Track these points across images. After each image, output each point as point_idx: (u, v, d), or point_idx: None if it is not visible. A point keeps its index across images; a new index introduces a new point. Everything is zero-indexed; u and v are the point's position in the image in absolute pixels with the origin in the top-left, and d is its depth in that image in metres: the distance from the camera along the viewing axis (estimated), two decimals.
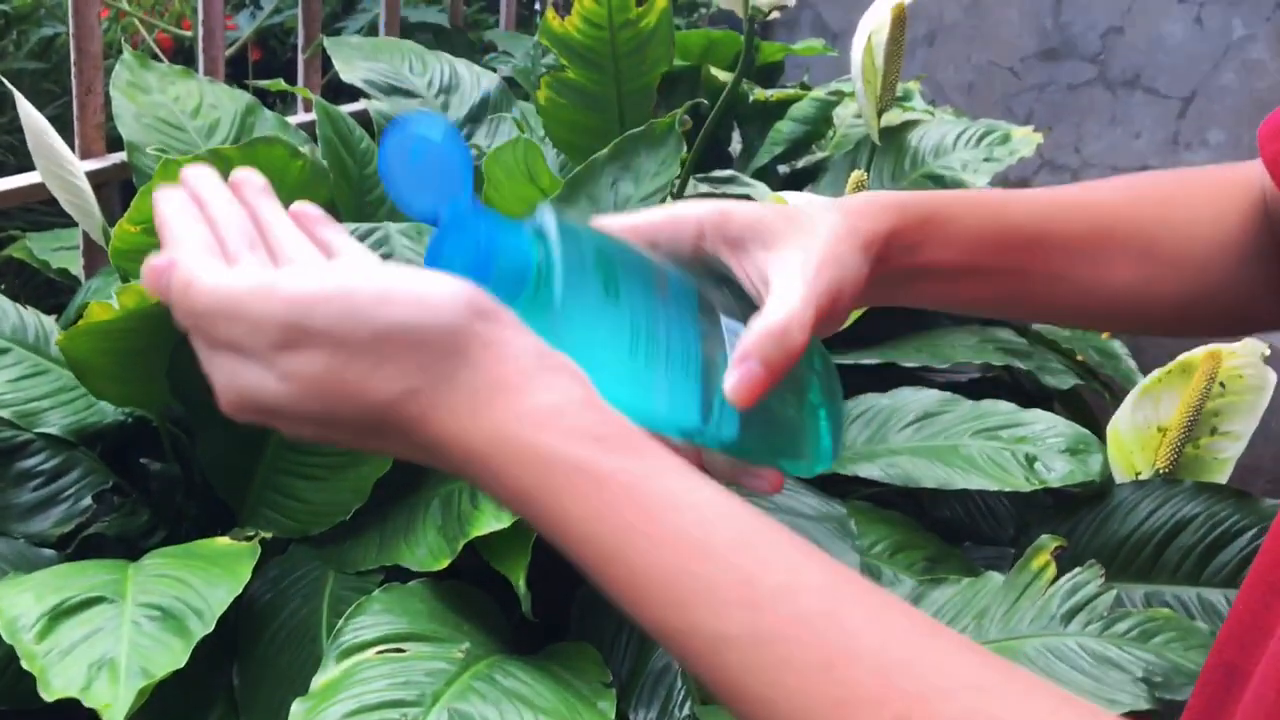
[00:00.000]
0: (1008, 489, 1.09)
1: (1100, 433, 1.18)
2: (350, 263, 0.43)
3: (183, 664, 0.75)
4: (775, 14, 1.11)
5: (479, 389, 0.37)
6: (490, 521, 0.88)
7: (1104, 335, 1.64)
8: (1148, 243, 0.57)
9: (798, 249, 0.48)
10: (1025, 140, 1.45)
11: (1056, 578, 0.96)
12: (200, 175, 0.45)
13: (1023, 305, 0.60)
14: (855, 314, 1.25)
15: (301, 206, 0.46)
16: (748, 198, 1.27)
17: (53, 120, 1.32)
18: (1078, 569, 0.96)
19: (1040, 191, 0.58)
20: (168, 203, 0.44)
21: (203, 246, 0.42)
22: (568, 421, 0.37)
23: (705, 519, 0.36)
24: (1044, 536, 0.98)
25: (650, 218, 0.50)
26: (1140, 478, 1.16)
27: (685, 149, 1.10)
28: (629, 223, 0.49)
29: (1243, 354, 1.13)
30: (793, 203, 1.11)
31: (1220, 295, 0.58)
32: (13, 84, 1.37)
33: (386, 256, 0.95)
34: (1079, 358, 1.51)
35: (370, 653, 0.82)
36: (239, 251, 0.42)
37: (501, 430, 0.37)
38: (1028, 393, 1.40)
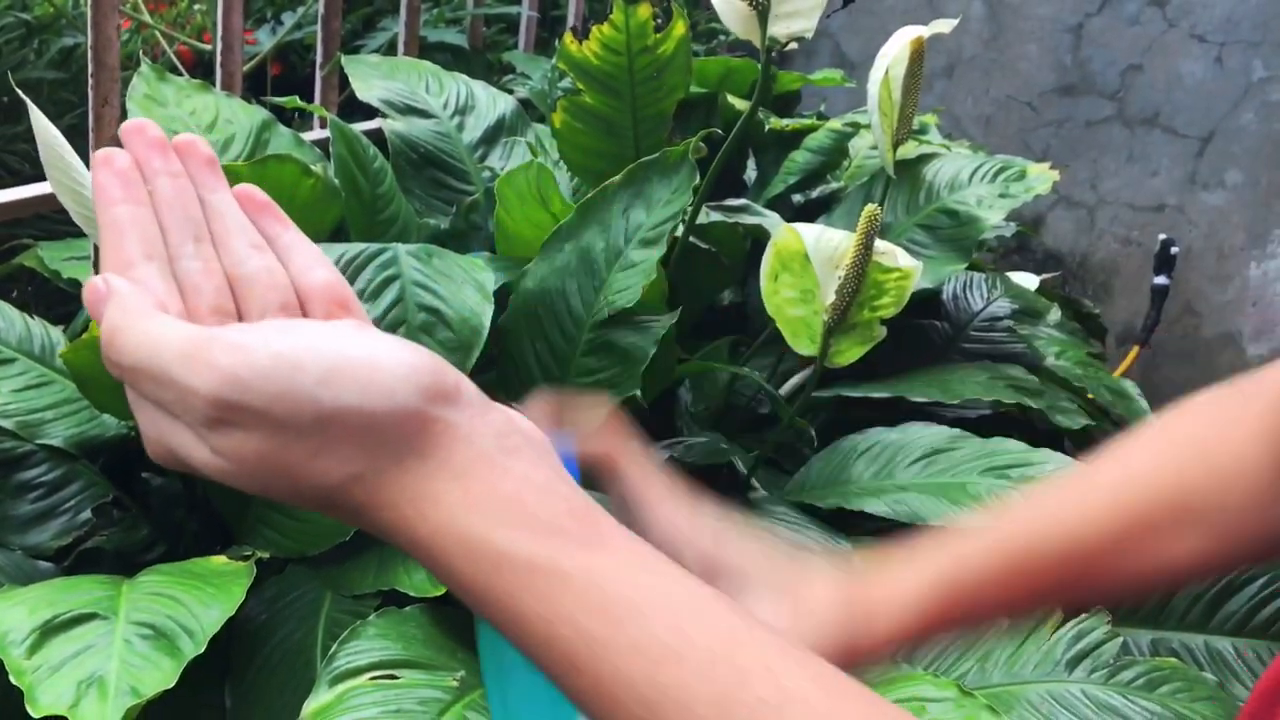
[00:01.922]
0: None
1: None
2: (292, 328, 0.37)
3: (172, 684, 0.74)
4: (793, 45, 1.11)
5: (428, 476, 0.34)
6: None
7: (1115, 374, 1.63)
8: (1184, 510, 0.52)
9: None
10: (1041, 177, 1.44)
11: (1062, 623, 0.95)
12: (144, 136, 0.41)
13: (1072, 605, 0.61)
14: (860, 352, 1.24)
15: (247, 190, 0.42)
16: (760, 227, 1.26)
17: (70, 130, 1.33)
18: (1084, 615, 0.94)
19: (1069, 493, 0.55)
20: (108, 172, 0.39)
21: (139, 253, 0.38)
22: (526, 511, 0.34)
23: (678, 623, 0.33)
24: None
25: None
26: None
27: (698, 177, 1.09)
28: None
29: None
30: (806, 236, 1.10)
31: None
32: (32, 93, 1.37)
33: (394, 278, 0.94)
34: (1090, 397, 1.50)
35: (363, 679, 0.81)
36: (180, 256, 0.38)
37: (451, 522, 0.34)
38: (1039, 431, 1.38)
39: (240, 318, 0.39)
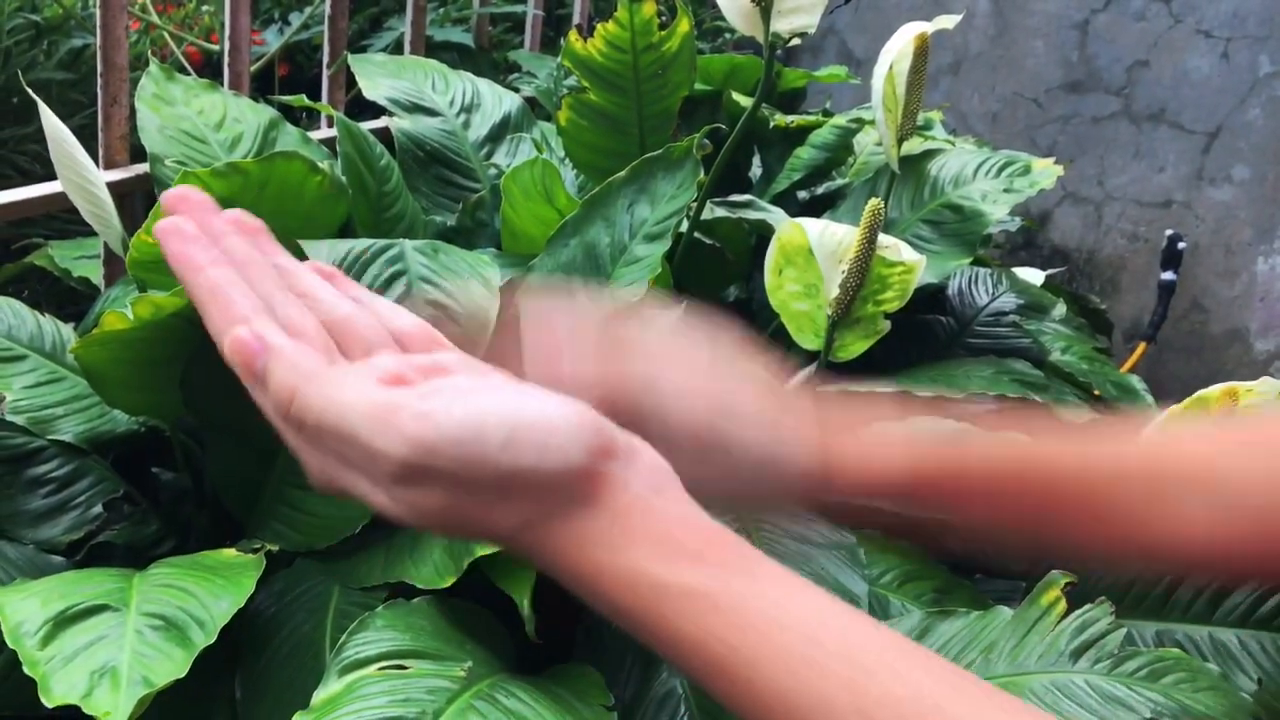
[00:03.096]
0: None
1: None
2: (468, 392, 0.40)
3: (184, 674, 0.75)
4: (796, 40, 1.11)
5: (592, 520, 0.39)
6: None
7: (1122, 369, 1.63)
8: (1219, 493, 0.50)
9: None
10: (1046, 172, 1.44)
11: (1066, 614, 0.95)
12: (192, 201, 0.44)
13: (1067, 559, 0.57)
14: (864, 346, 1.24)
15: (243, 218, 0.44)
16: (764, 223, 1.27)
17: (79, 130, 1.34)
18: (1088, 605, 0.95)
19: (1085, 440, 0.53)
20: (181, 241, 0.42)
21: (249, 307, 0.41)
22: (677, 544, 0.38)
23: (810, 634, 0.37)
24: (1054, 572, 0.97)
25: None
26: None
27: (703, 173, 1.10)
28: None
29: (1260, 391, 1.12)
30: (810, 231, 1.11)
31: None
32: (42, 93, 1.38)
33: (400, 274, 0.95)
34: (1096, 392, 1.50)
35: (372, 669, 0.81)
36: (275, 304, 0.41)
37: (613, 560, 0.38)
38: None
39: (346, 357, 0.42)
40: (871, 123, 1.61)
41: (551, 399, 0.39)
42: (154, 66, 1.25)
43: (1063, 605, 0.95)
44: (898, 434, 0.50)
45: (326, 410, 0.38)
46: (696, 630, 0.37)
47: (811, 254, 1.10)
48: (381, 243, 0.97)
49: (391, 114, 1.37)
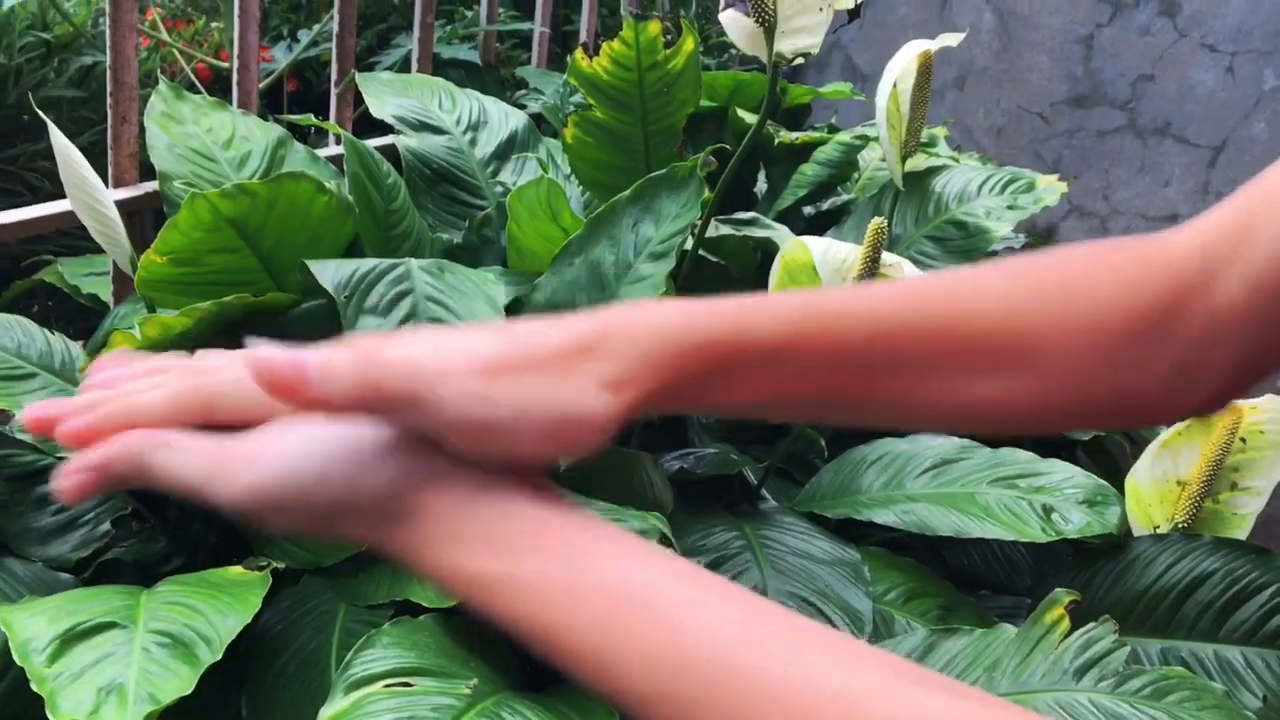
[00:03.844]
0: (1024, 540, 1.08)
1: (1123, 482, 1.17)
2: (286, 431, 0.45)
3: (190, 691, 0.75)
4: (800, 60, 1.12)
5: (414, 532, 0.43)
6: None
7: None
8: (1015, 352, 0.48)
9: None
10: (1050, 188, 1.45)
11: (1071, 631, 0.95)
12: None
13: (853, 420, 0.53)
14: None
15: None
16: (769, 240, 1.27)
17: (88, 147, 1.35)
18: (1092, 624, 0.95)
19: (883, 295, 0.49)
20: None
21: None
22: (486, 540, 0.42)
23: (612, 592, 0.40)
24: (1058, 590, 0.97)
25: None
26: (1159, 531, 1.15)
27: (708, 190, 1.11)
28: None
29: (1265, 409, 1.12)
30: (813, 249, 1.11)
31: (1090, 392, 0.49)
32: (52, 111, 1.40)
33: (406, 293, 0.96)
34: None
35: (378, 686, 0.82)
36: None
37: (438, 561, 0.42)
38: (1049, 440, 1.39)
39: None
40: (876, 139, 1.62)
41: (360, 432, 0.43)
42: (163, 85, 1.26)
43: (1066, 623, 0.96)
44: (668, 329, 0.45)
45: (172, 475, 0.45)
46: (521, 611, 0.40)
47: (815, 272, 1.11)
48: (387, 262, 0.98)
49: (398, 132, 1.38)
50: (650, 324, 0.44)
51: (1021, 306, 0.49)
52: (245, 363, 0.42)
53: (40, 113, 1.16)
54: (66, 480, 0.45)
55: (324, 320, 1.00)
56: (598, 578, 0.40)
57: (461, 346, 0.42)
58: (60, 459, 1.02)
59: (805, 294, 0.49)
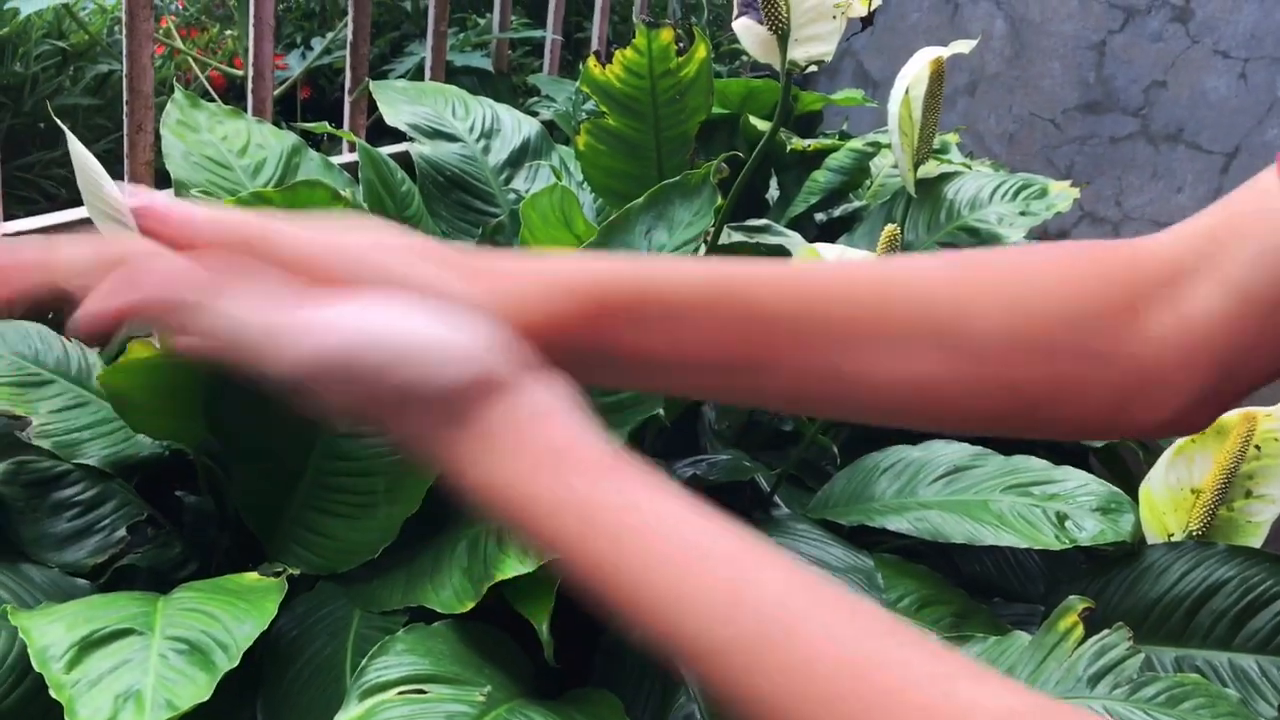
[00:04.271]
0: (1038, 547, 1.08)
1: (1136, 490, 1.17)
2: (367, 307, 0.42)
3: (207, 697, 0.75)
4: (813, 68, 1.12)
5: (465, 442, 0.41)
6: (515, 565, 0.88)
7: None
8: (951, 327, 0.46)
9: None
10: (1062, 195, 1.45)
11: (1085, 638, 0.95)
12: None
13: (769, 401, 0.51)
14: None
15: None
16: (781, 247, 1.28)
17: (104, 155, 1.36)
18: (1106, 631, 0.95)
19: (815, 267, 0.48)
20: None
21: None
22: (542, 463, 0.40)
23: (666, 534, 0.38)
24: (1072, 597, 0.97)
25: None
26: (1173, 539, 1.15)
27: (720, 198, 1.11)
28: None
29: (1279, 417, 1.12)
30: (826, 256, 1.12)
31: (1037, 390, 0.47)
32: (68, 119, 1.41)
33: None
34: None
35: (392, 693, 0.82)
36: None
37: (485, 476, 0.41)
38: (1062, 448, 1.39)
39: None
40: (888, 146, 1.62)
41: (449, 322, 0.41)
42: (179, 93, 1.27)
43: (1080, 630, 0.95)
44: (573, 270, 0.45)
45: (226, 327, 0.41)
46: (568, 538, 0.39)
47: None
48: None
49: (412, 139, 1.38)
50: (543, 261, 0.45)
51: (962, 285, 0.47)
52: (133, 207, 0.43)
53: (58, 120, 1.17)
54: (90, 312, 0.41)
55: None
56: (651, 519, 0.38)
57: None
58: (78, 466, 1.03)
59: (731, 260, 0.47)
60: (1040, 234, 2.32)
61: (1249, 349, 0.46)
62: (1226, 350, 0.46)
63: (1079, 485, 1.15)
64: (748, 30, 1.12)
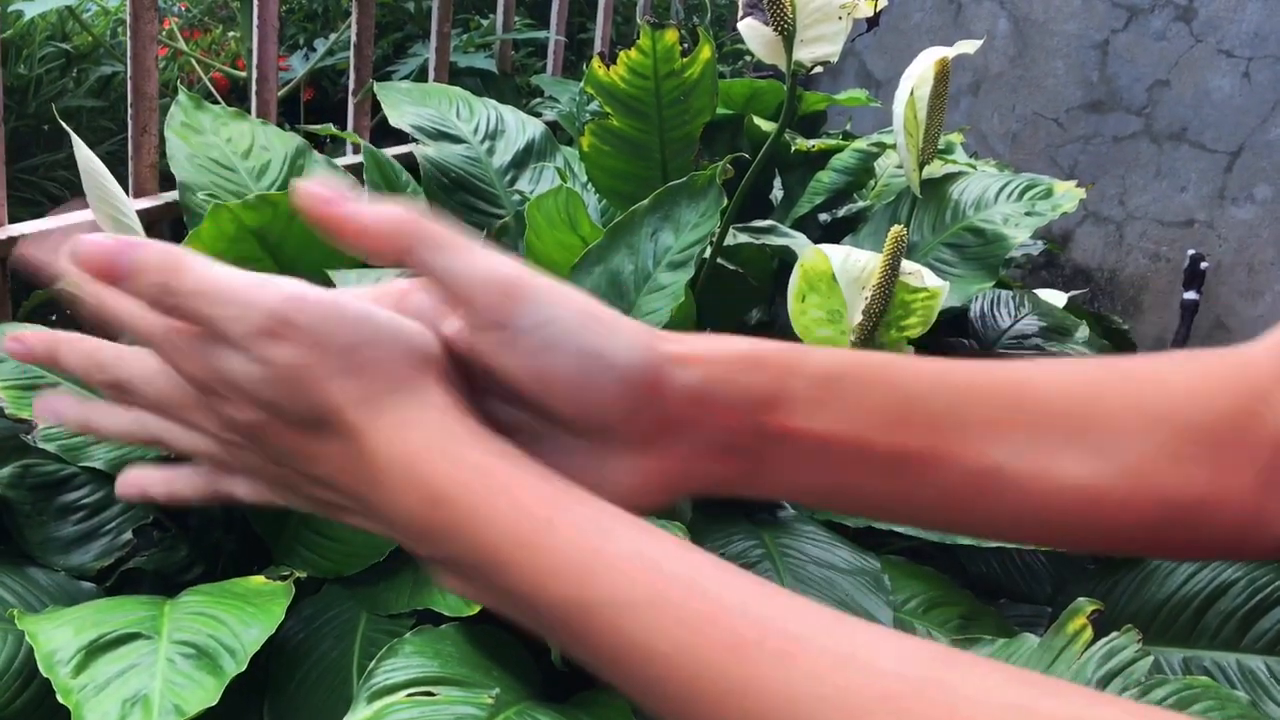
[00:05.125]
0: (1044, 549, 1.08)
1: None
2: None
3: (215, 702, 0.75)
4: (818, 68, 1.12)
5: (423, 414, 0.40)
6: None
7: None
8: (1090, 427, 0.45)
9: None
10: (1067, 195, 1.44)
11: (1092, 641, 0.95)
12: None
13: (922, 507, 0.46)
14: None
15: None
16: (787, 248, 1.27)
17: (108, 157, 1.36)
18: (1114, 633, 0.94)
19: (949, 360, 0.46)
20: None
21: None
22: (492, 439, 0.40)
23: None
24: (1080, 599, 0.96)
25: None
26: None
27: (726, 199, 1.11)
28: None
29: None
30: (833, 257, 1.11)
31: (1179, 498, 0.45)
32: (72, 121, 1.41)
33: None
34: None
35: (400, 695, 0.82)
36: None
37: (431, 446, 0.40)
38: None
39: None
40: (892, 146, 1.62)
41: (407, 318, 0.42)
42: (183, 95, 1.26)
43: (1089, 633, 0.95)
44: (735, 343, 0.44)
45: (208, 274, 0.41)
46: (506, 509, 0.38)
47: (835, 280, 1.11)
48: (409, 272, 0.98)
49: (416, 141, 1.38)
50: (739, 353, 0.43)
51: (1102, 384, 0.46)
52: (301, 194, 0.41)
53: (63, 123, 1.17)
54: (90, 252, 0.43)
55: None
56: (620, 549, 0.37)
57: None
58: (84, 469, 1.03)
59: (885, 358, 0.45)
60: (1044, 233, 2.32)
61: None
62: None
63: None
64: (753, 31, 1.11)
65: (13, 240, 1.20)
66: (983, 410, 0.44)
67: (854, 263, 1.09)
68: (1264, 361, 0.48)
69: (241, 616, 0.82)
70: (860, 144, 1.62)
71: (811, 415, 0.42)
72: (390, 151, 1.36)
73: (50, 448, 1.02)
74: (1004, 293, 1.57)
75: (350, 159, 1.52)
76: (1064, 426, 0.44)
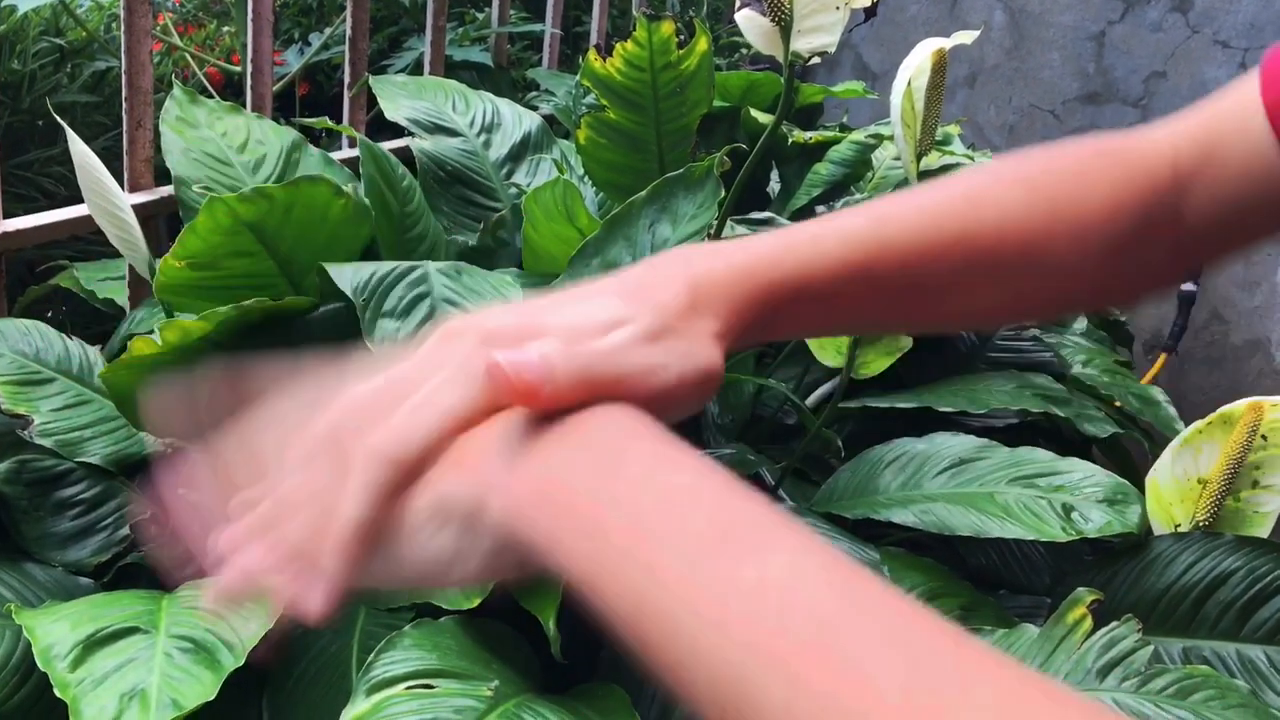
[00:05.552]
0: (1044, 539, 1.08)
1: (1140, 480, 1.17)
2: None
3: (213, 696, 0.75)
4: (815, 59, 1.12)
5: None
6: None
7: (1143, 381, 1.62)
8: (1021, 262, 0.53)
9: None
10: None
11: (1093, 630, 0.95)
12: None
13: (878, 329, 0.60)
14: (887, 363, 1.25)
15: None
16: None
17: (103, 152, 1.35)
18: (1114, 623, 0.94)
19: (911, 215, 0.52)
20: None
21: None
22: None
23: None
24: (1080, 589, 0.96)
25: None
26: (1180, 530, 1.14)
27: (723, 191, 1.10)
28: None
29: None
30: None
31: (1075, 290, 0.57)
32: (66, 116, 1.40)
33: (424, 296, 0.96)
34: (1118, 404, 1.49)
35: (399, 688, 0.82)
36: None
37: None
38: (1066, 440, 1.38)
39: None
40: (890, 138, 1.61)
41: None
42: (178, 90, 1.26)
43: (1089, 623, 0.95)
44: (752, 286, 0.48)
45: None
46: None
47: None
48: (405, 265, 0.98)
49: (412, 134, 1.37)
50: (728, 276, 0.47)
51: (1032, 218, 0.53)
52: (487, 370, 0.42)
53: (57, 118, 1.16)
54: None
55: (342, 323, 1.00)
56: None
57: (600, 316, 0.43)
58: (81, 464, 1.02)
59: (842, 224, 0.51)
60: None
61: (1228, 240, 0.57)
62: (1208, 241, 0.56)
63: (1085, 476, 1.15)
64: (750, 22, 1.11)
65: (8, 235, 1.20)
66: (934, 277, 0.52)
67: None
68: (1159, 165, 0.55)
69: (239, 611, 0.82)
70: (857, 136, 1.61)
71: (803, 324, 0.51)
72: (386, 145, 1.35)
73: (46, 443, 1.02)
74: None
75: (346, 153, 1.51)
76: (998, 268, 0.53)
